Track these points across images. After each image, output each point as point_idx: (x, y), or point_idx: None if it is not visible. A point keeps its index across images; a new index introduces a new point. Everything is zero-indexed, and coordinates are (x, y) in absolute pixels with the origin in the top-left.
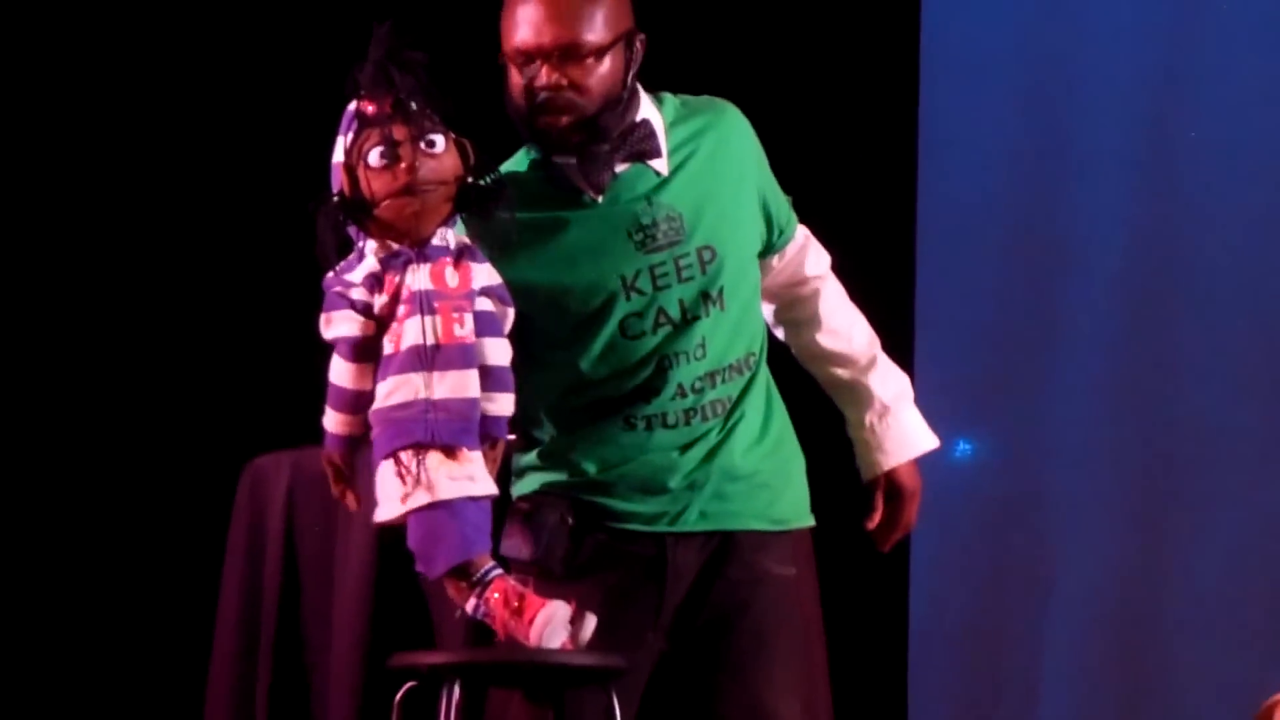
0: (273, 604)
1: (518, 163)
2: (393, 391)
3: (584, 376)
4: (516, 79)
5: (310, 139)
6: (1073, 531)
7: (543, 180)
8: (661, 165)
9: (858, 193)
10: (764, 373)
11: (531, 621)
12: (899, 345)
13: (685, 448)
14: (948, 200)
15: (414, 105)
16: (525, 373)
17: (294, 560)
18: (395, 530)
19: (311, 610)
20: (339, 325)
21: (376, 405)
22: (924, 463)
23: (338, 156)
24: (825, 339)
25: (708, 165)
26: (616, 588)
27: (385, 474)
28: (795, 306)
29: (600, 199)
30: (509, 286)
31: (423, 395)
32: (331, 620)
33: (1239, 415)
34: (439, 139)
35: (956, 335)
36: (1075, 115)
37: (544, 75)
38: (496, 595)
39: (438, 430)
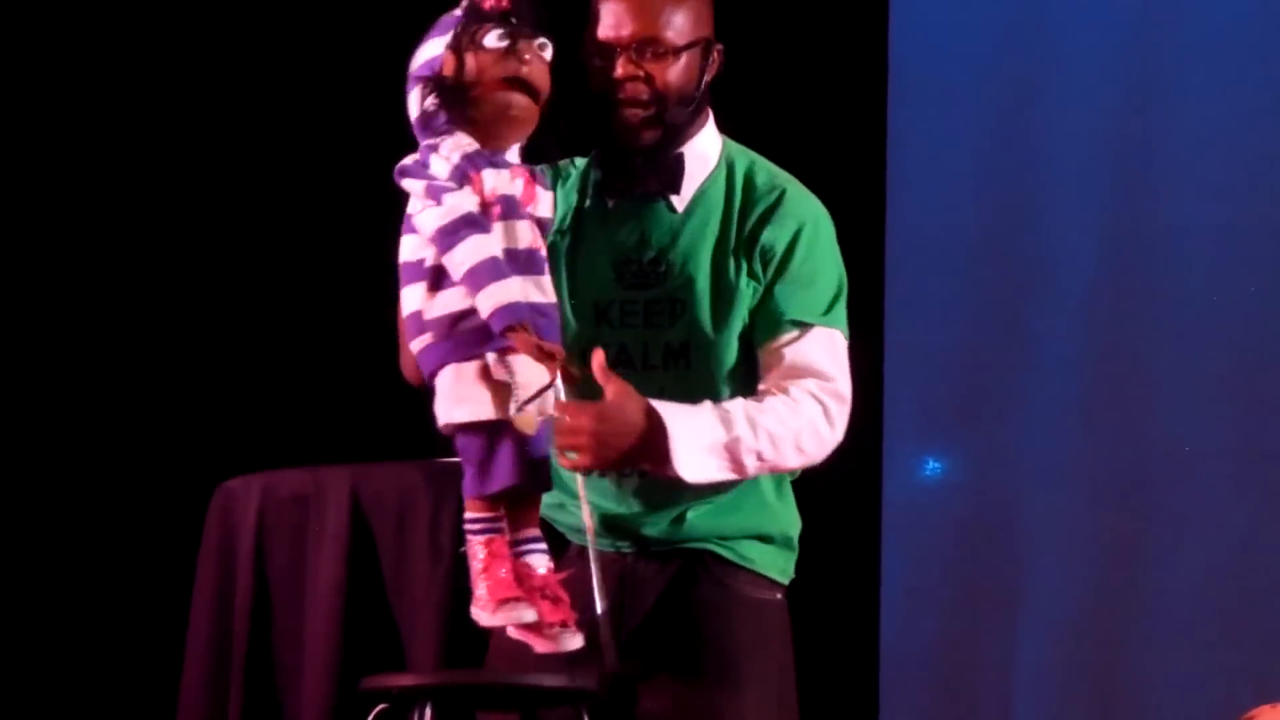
0: (243, 626)
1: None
2: (493, 291)
3: None
4: (596, 69)
5: (278, 158)
6: (1044, 551)
7: (583, 175)
8: (678, 202)
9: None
10: None
11: (501, 602)
12: (868, 365)
13: (648, 509)
14: (916, 220)
15: (533, 8)
16: None
17: (264, 583)
18: (365, 551)
19: (282, 632)
20: (462, 201)
21: (457, 309)
22: (894, 481)
23: (439, 49)
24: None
25: (720, 227)
26: (577, 605)
27: (477, 377)
28: None
29: (611, 206)
30: None
31: (521, 298)
32: (303, 642)
33: (1210, 434)
34: (550, 45)
35: (925, 355)
36: (1043, 135)
37: (622, 67)
38: (486, 553)
39: (543, 332)
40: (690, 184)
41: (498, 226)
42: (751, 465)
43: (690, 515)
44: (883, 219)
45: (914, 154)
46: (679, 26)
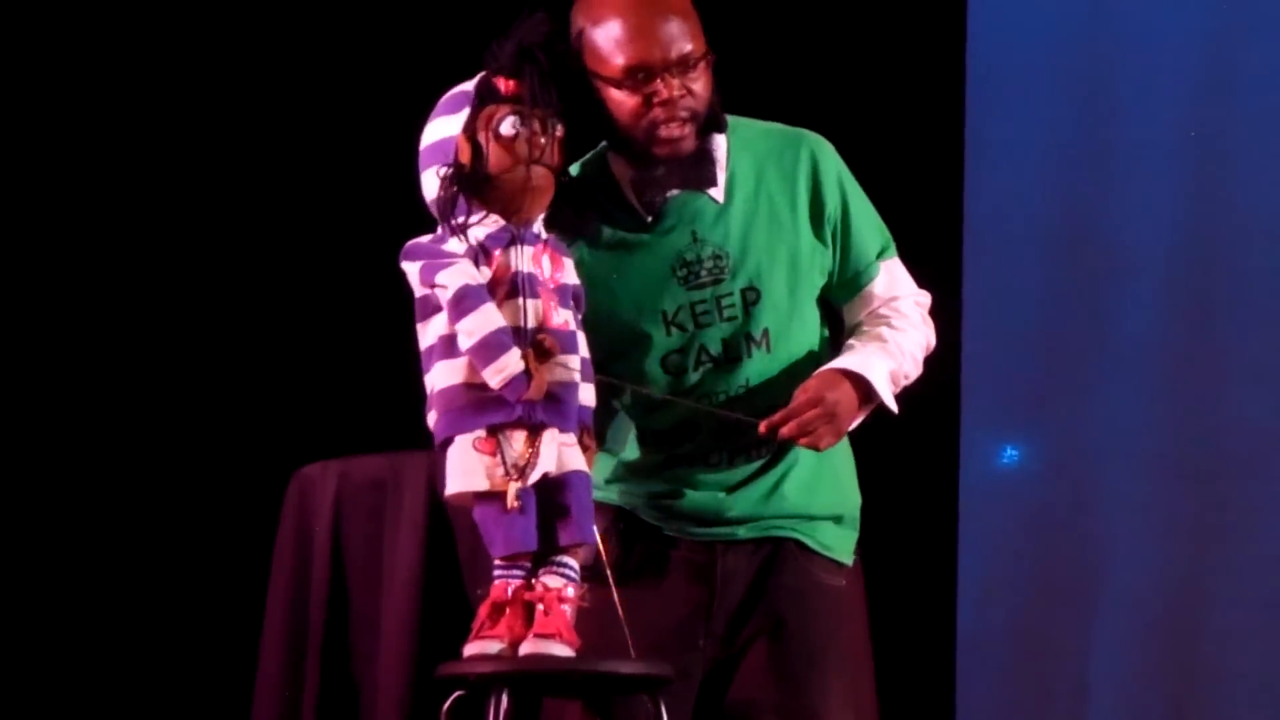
0: (320, 613)
1: (580, 174)
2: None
3: (626, 407)
4: (628, 97)
5: (355, 150)
6: (1120, 538)
7: (601, 195)
8: (717, 194)
9: (904, 197)
10: None
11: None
12: (946, 352)
13: (733, 489)
14: (994, 205)
15: (545, 90)
16: None
17: (341, 569)
18: (443, 537)
19: (359, 619)
20: (458, 274)
21: (462, 379)
22: (971, 469)
23: (452, 129)
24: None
25: (765, 201)
26: (668, 593)
27: (475, 449)
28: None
29: (650, 219)
30: None
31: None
32: (379, 629)
33: None
34: (560, 126)
35: (1004, 341)
36: (1121, 119)
37: (667, 88)
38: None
39: (534, 410)
40: (719, 171)
41: (506, 304)
42: (899, 388)
43: (776, 491)
44: (960, 205)
45: (992, 139)
46: (697, 34)
